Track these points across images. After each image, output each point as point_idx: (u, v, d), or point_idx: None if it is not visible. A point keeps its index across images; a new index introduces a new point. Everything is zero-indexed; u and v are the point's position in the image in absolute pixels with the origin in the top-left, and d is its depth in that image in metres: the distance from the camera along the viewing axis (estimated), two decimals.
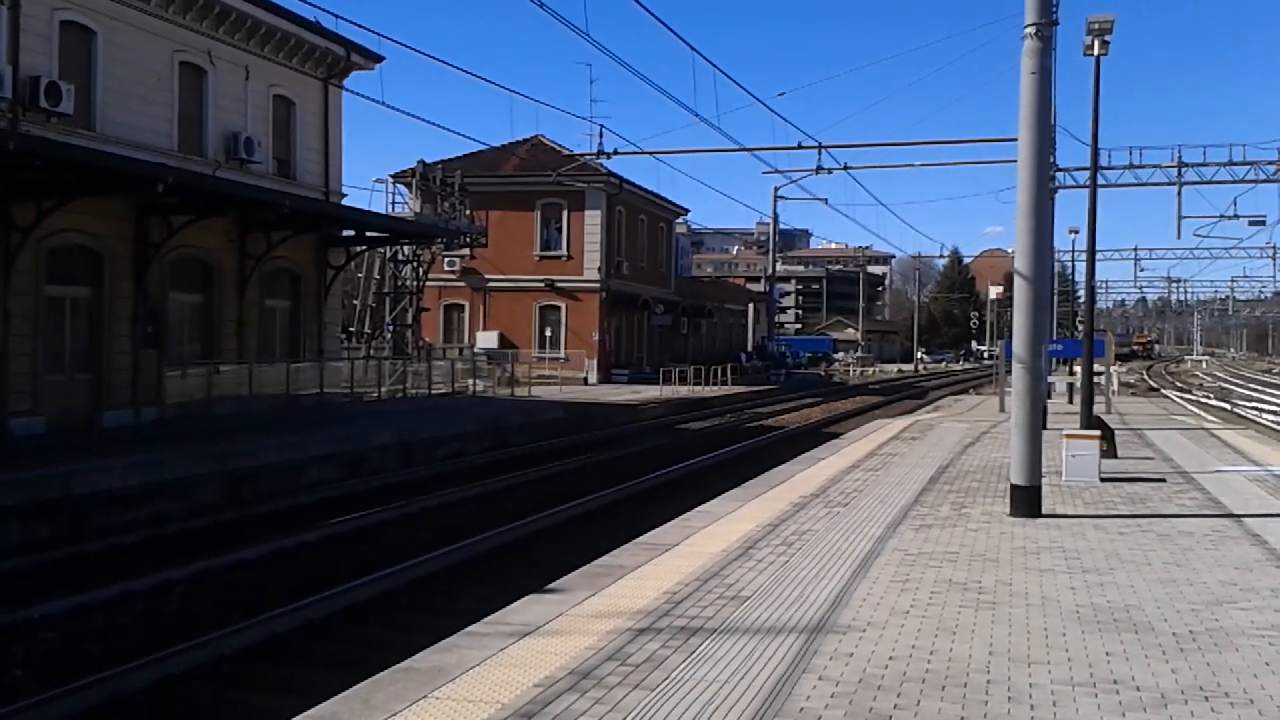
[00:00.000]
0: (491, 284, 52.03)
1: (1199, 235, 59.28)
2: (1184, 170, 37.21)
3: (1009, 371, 14.83)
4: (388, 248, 38.85)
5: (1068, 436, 16.33)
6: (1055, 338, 30.88)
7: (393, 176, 45.74)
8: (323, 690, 6.99)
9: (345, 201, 32.52)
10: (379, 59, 32.14)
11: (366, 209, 34.99)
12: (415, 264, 40.73)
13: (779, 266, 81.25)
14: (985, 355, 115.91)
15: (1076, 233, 48.88)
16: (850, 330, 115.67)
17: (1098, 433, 17.39)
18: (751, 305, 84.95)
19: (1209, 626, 7.85)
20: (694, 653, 7.04)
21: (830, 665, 6.80)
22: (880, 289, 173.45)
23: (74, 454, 17.61)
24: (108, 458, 17.30)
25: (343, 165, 32.38)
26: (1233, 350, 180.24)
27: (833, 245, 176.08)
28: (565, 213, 52.40)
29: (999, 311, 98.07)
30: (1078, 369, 28.94)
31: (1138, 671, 6.76)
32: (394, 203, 42.05)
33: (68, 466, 16.23)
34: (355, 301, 41.87)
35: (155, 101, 25.19)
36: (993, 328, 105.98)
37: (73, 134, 22.18)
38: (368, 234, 32.59)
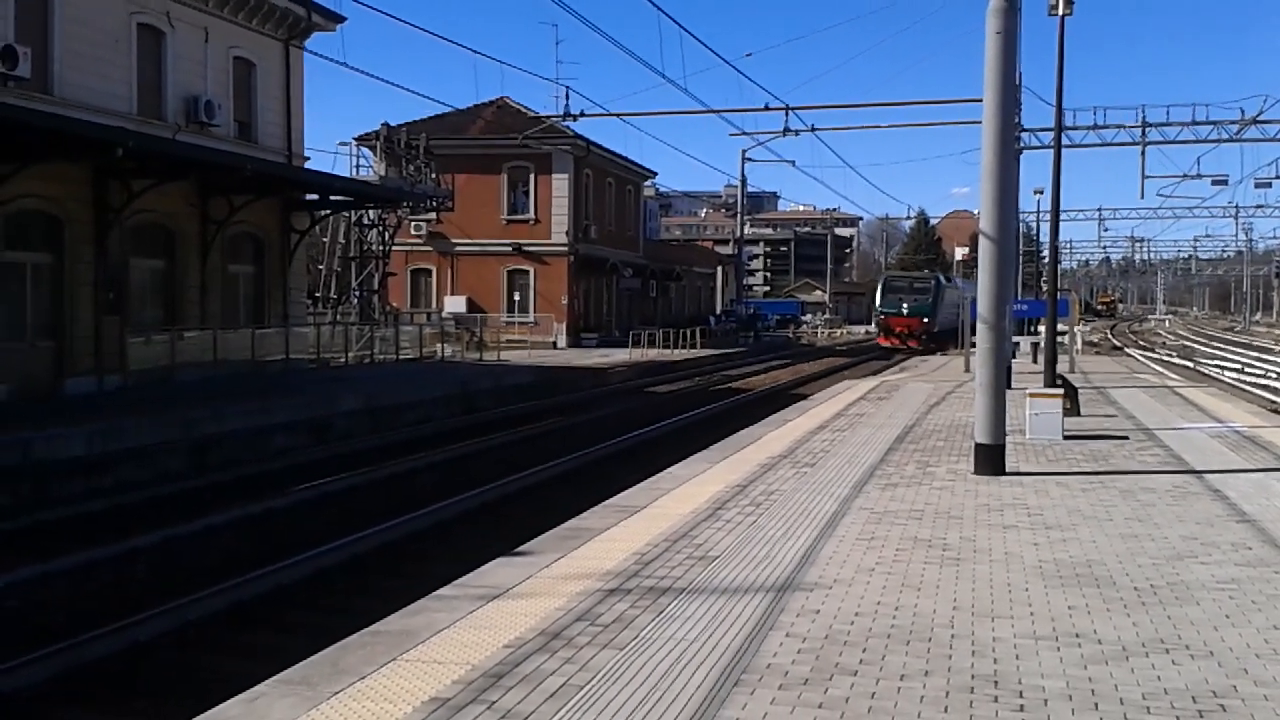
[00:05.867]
0: (458, 248, 51.65)
1: (1162, 195, 60.01)
2: (1148, 130, 37.48)
3: (973, 331, 14.94)
4: (353, 212, 38.46)
5: (1031, 395, 16.47)
6: (1020, 298, 31.06)
7: (356, 139, 45.25)
8: (292, 655, 6.97)
9: (308, 165, 32.15)
10: (340, 19, 31.73)
11: (330, 172, 34.60)
12: (381, 228, 40.34)
13: (747, 229, 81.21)
14: None
15: (1041, 193, 49.04)
16: (818, 292, 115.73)
17: (1061, 391, 17.58)
18: (720, 268, 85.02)
19: (1170, 581, 7.97)
20: (663, 612, 7.08)
21: (797, 622, 6.86)
22: (848, 251, 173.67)
23: (35, 421, 17.41)
24: (70, 424, 17.13)
25: (305, 128, 31.97)
26: (1195, 309, 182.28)
27: (801, 207, 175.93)
28: (532, 176, 52.03)
29: (965, 272, 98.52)
30: (1042, 328, 29.16)
31: (1099, 625, 6.86)
32: (358, 166, 41.60)
33: (28, 433, 16.06)
34: (320, 266, 41.49)
35: (113, 64, 24.75)
36: None
37: (30, 98, 21.76)
38: (332, 197, 32.27)
